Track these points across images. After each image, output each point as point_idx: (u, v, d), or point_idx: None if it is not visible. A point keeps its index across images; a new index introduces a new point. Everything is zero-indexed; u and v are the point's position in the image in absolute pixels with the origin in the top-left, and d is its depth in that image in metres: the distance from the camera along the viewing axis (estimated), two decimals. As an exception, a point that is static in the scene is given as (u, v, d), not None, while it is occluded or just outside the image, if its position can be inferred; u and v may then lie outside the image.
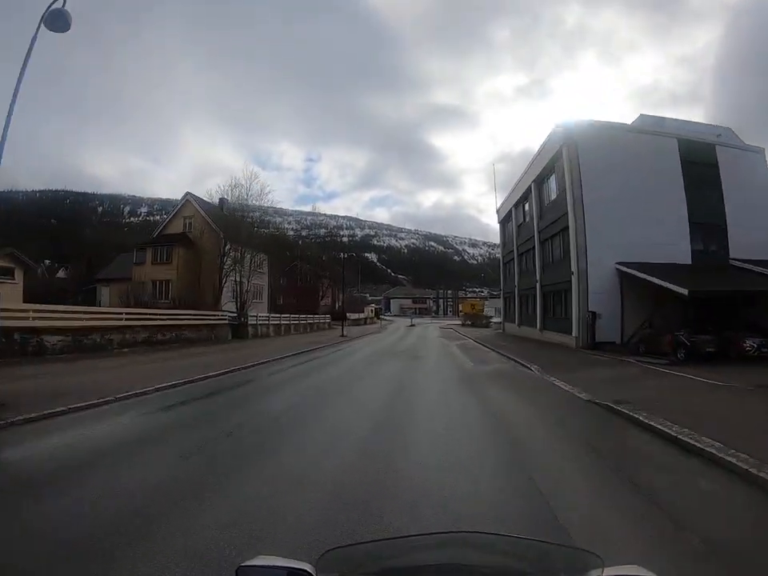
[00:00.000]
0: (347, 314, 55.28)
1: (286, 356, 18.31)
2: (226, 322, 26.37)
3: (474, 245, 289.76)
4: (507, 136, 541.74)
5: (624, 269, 20.32)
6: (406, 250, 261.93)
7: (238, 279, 30.91)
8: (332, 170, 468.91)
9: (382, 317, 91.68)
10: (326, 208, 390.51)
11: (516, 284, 33.53)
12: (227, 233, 31.23)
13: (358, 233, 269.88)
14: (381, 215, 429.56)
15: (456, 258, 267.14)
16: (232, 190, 33.02)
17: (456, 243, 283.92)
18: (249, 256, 31.84)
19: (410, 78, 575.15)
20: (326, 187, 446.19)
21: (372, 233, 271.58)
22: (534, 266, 29.73)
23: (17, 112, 7.96)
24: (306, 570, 0.98)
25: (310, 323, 39.95)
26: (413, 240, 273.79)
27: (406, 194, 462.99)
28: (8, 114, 7.80)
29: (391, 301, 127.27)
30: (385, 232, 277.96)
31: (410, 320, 63.35)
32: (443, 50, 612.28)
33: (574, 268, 21.68)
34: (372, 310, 62.50)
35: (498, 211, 40.47)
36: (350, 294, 70.21)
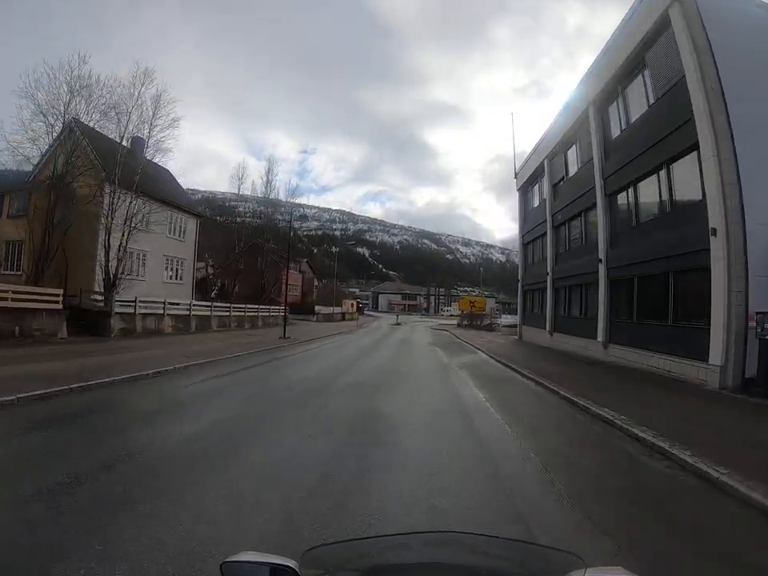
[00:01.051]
0: (317, 308, 43.64)
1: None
2: (58, 307, 14.49)
3: (466, 244, 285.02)
4: (503, 136, 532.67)
5: None
6: (398, 247, 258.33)
7: (115, 243, 18.97)
8: (326, 163, 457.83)
9: (368, 312, 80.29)
10: (319, 201, 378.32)
11: (549, 271, 21.95)
12: (109, 168, 19.35)
13: (351, 227, 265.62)
14: (374, 211, 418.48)
15: (449, 256, 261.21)
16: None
17: (449, 242, 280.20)
18: (134, 202, 19.75)
19: (408, 72, 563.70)
20: (320, 180, 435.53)
21: (365, 227, 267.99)
22: (586, 238, 18.28)
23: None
24: (290, 567, 0.95)
25: (252, 316, 28.08)
26: (406, 237, 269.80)
27: (400, 191, 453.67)
28: None
29: (380, 296, 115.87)
30: (378, 227, 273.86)
31: (395, 317, 51.78)
32: (442, 45, 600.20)
33: (719, 224, 10.20)
34: (352, 305, 51.07)
35: (516, 176, 28.88)
36: (324, 286, 58.43)
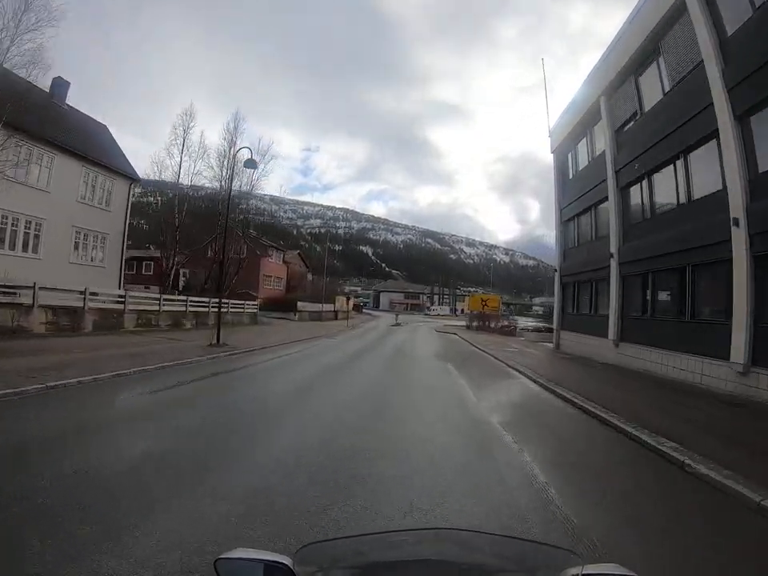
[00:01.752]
0: (301, 305, 36.62)
1: None
2: None
3: (470, 244, 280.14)
4: (507, 136, 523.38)
5: None
6: (401, 246, 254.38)
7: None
8: (330, 161, 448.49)
9: (367, 312, 73.22)
10: (322, 199, 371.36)
11: (614, 252, 14.72)
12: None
13: (355, 225, 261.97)
14: (377, 210, 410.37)
15: (452, 256, 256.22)
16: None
17: (453, 242, 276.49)
18: None
19: (411, 70, 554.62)
20: (323, 178, 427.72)
21: (369, 226, 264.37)
22: (691, 193, 11.15)
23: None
24: (284, 563, 0.92)
25: (199, 312, 20.78)
26: (409, 236, 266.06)
27: (403, 190, 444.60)
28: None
29: (381, 294, 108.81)
30: (381, 226, 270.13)
31: (394, 317, 44.60)
32: (445, 44, 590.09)
33: None
34: (346, 302, 44.09)
35: (550, 135, 21.68)
36: (313, 281, 51.30)
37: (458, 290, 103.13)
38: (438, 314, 75.79)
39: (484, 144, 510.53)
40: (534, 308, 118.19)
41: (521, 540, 1.48)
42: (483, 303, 37.65)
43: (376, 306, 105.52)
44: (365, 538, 1.60)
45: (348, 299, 45.51)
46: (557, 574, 0.93)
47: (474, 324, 36.17)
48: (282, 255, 47.26)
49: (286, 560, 0.92)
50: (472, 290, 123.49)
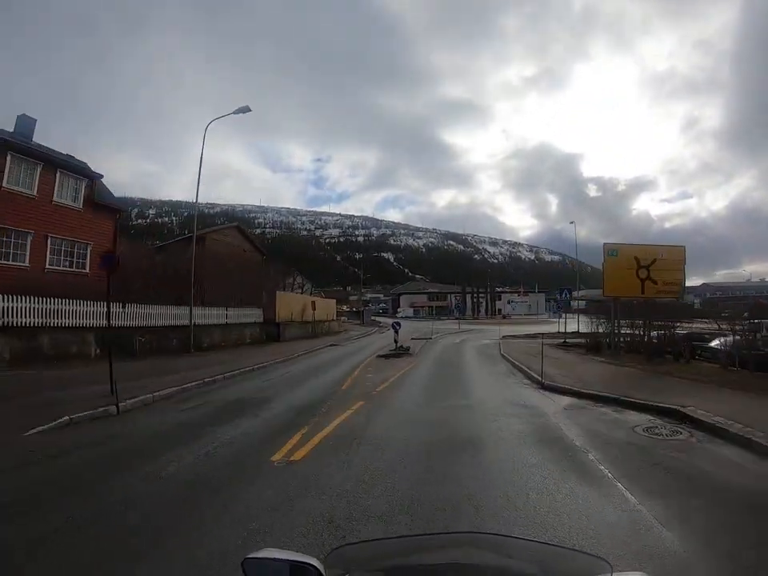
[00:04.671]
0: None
1: None
2: None
3: (494, 243, 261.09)
4: (520, 130, 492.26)
5: None
6: (423, 249, 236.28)
7: None
8: (342, 170, 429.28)
9: (375, 318, 51.70)
10: (338, 209, 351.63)
11: None
12: None
13: (374, 232, 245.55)
14: (394, 216, 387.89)
15: (476, 256, 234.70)
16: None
17: (476, 242, 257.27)
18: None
19: (419, 71, 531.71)
20: (337, 188, 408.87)
21: (389, 232, 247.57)
22: None
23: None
24: (311, 564, 0.88)
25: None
26: (431, 239, 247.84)
27: (419, 194, 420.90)
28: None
29: (401, 297, 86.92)
30: (402, 231, 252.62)
31: (394, 332, 22.41)
32: (451, 41, 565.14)
33: None
34: (312, 305, 23.10)
35: None
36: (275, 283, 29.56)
37: (496, 290, 79.33)
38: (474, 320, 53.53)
39: (497, 140, 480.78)
40: (572, 303, 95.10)
41: (551, 546, 1.53)
42: (644, 267, 12.91)
43: (395, 312, 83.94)
44: (395, 540, 1.58)
45: (314, 301, 23.94)
46: None
47: (603, 339, 13.50)
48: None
49: (314, 561, 0.88)
50: (498, 289, 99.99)
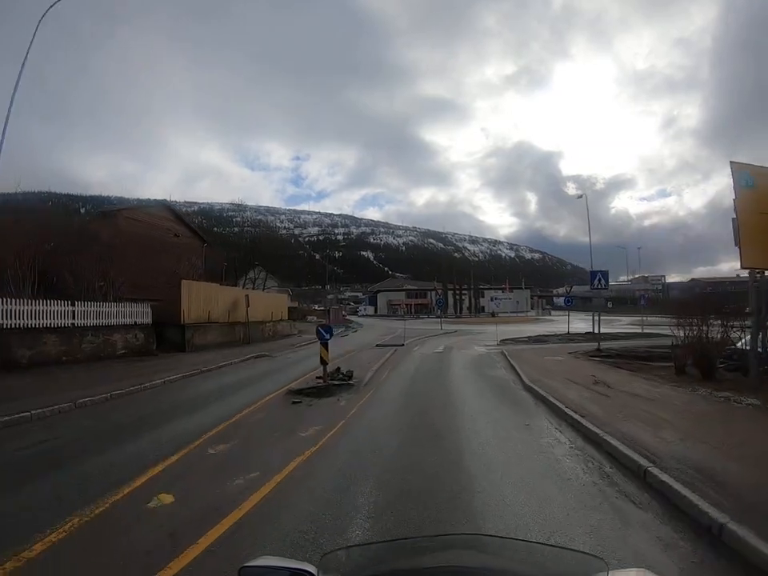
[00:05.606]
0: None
1: None
2: None
3: (474, 241, 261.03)
4: (499, 129, 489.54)
5: None
6: (403, 248, 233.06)
7: None
8: (321, 168, 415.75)
9: (349, 317, 45.12)
10: (317, 207, 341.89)
11: None
12: None
13: (354, 230, 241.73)
14: (373, 214, 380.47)
15: (457, 255, 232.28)
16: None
17: (456, 240, 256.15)
18: None
19: (399, 70, 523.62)
20: (316, 186, 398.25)
21: (368, 230, 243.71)
22: None
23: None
24: (308, 571, 0.88)
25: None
26: (411, 237, 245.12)
27: (399, 192, 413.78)
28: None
29: (378, 296, 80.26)
30: (381, 230, 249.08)
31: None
32: (431, 39, 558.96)
33: None
34: (279, 311, 16.36)
35: None
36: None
37: (479, 287, 72.88)
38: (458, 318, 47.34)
39: (476, 138, 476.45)
40: (556, 300, 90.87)
41: (547, 546, 1.43)
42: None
43: (374, 311, 77.20)
44: (389, 544, 1.53)
45: (246, 297, 17.02)
46: None
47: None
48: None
49: (310, 568, 0.87)
50: (481, 286, 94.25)
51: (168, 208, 27.17)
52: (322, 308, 52.85)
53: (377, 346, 14.87)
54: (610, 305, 44.34)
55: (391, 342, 15.86)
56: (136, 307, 13.24)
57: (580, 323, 23.15)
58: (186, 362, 11.18)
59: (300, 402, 6.44)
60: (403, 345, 15.21)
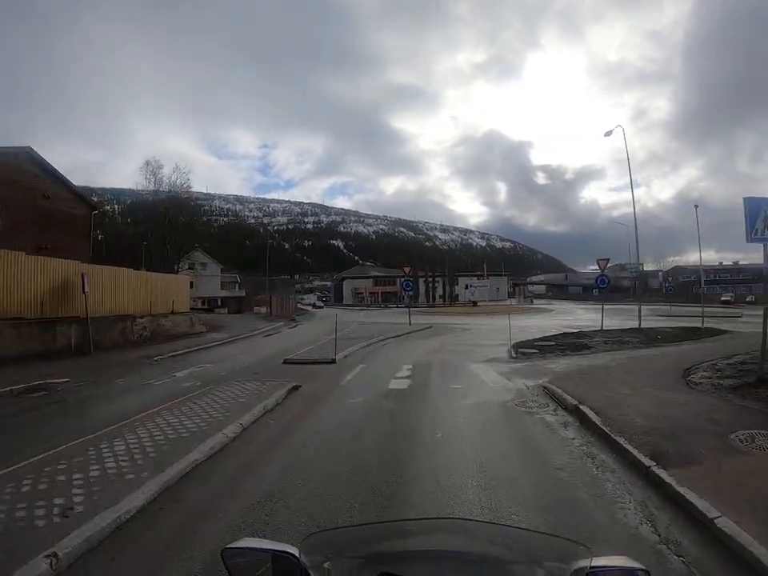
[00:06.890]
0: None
1: None
2: None
3: (445, 230, 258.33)
4: (469, 117, 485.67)
5: None
6: (374, 236, 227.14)
7: None
8: (289, 156, 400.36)
9: (303, 307, 38.09)
10: (286, 196, 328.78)
11: None
12: None
13: (324, 219, 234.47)
14: (343, 203, 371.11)
15: (428, 243, 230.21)
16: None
17: (426, 229, 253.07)
18: None
19: (367, 56, 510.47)
20: (284, 175, 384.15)
21: (339, 219, 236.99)
22: None
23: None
24: (290, 553, 0.86)
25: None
26: (381, 226, 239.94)
27: (368, 181, 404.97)
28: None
29: (344, 283, 73.25)
30: (352, 218, 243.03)
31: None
32: (401, 24, 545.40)
33: None
34: (173, 299, 9.56)
35: None
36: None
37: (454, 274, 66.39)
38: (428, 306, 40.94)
39: (445, 127, 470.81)
40: (531, 288, 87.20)
41: (529, 531, 1.45)
42: None
43: (339, 300, 70.20)
44: (371, 526, 1.52)
45: (82, 277, 9.64)
46: (565, 565, 0.86)
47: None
48: None
49: (292, 549, 0.87)
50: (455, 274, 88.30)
51: (35, 161, 18.66)
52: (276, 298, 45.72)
53: (284, 362, 8.18)
54: (595, 292, 39.05)
55: (313, 357, 8.93)
56: None
57: (590, 314, 16.99)
58: None
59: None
60: (335, 360, 8.41)
